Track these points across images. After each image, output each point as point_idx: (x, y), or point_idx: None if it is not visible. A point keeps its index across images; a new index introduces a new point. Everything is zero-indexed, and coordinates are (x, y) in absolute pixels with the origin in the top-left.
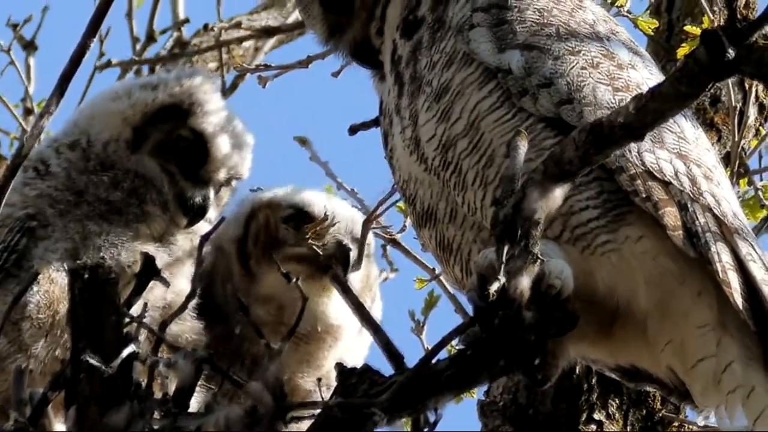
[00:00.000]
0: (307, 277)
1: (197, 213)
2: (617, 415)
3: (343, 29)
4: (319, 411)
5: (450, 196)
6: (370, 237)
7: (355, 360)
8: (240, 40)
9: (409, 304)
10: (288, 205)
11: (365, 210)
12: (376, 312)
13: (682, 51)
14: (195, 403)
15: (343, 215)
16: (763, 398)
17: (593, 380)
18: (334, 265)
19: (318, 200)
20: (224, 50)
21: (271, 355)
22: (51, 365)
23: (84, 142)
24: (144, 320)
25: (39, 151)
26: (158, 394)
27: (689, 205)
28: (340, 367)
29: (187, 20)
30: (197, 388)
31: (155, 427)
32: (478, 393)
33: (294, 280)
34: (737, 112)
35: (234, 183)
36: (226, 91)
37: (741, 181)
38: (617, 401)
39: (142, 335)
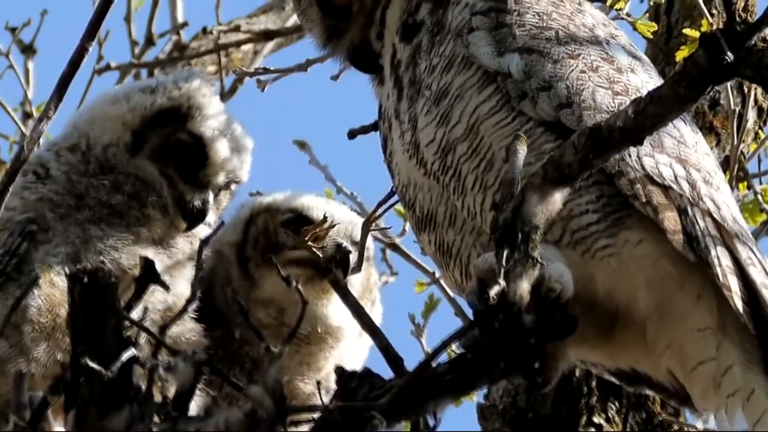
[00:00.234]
0: (307, 279)
1: (196, 216)
2: (617, 418)
3: (340, 33)
4: (318, 414)
5: (449, 201)
6: (369, 240)
7: (355, 363)
8: (239, 44)
9: (409, 307)
10: (287, 210)
11: (365, 214)
12: (376, 316)
13: (681, 54)
14: (195, 407)
15: (342, 218)
16: (763, 401)
17: (593, 383)
18: (334, 269)
19: (317, 204)
20: (223, 53)
21: (272, 359)
22: (52, 369)
23: (83, 146)
24: (144, 323)
25: (38, 155)
26: (158, 398)
27: (689, 210)
28: (339, 371)
29: (185, 23)
30: (197, 392)
31: (155, 430)
32: (477, 396)
33: (294, 284)
34: (736, 116)
35: (233, 186)
36: (225, 95)
37: (740, 184)
38: (617, 404)
39: (143, 339)
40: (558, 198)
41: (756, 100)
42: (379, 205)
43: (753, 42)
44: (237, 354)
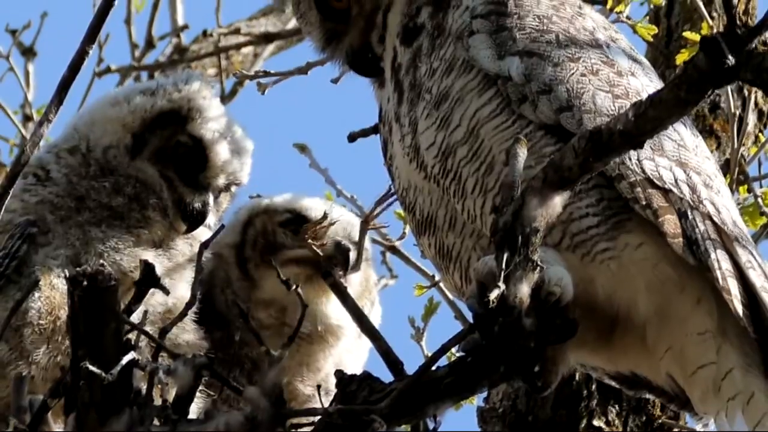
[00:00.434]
0: (307, 279)
1: (196, 219)
2: (617, 421)
3: (339, 37)
4: (319, 418)
5: (449, 204)
6: (368, 242)
7: (354, 363)
8: (239, 47)
9: (409, 310)
10: (285, 210)
11: (364, 217)
12: (375, 317)
13: (681, 57)
14: (195, 410)
15: (340, 218)
16: (763, 404)
17: (593, 387)
18: (334, 271)
19: (314, 205)
20: (223, 56)
21: (271, 362)
22: (52, 372)
23: (84, 148)
24: (144, 326)
25: (38, 157)
26: (158, 401)
27: (689, 213)
28: (339, 374)
29: (186, 26)
30: (197, 395)
31: None
32: (477, 399)
33: (294, 287)
34: (736, 119)
35: (233, 189)
36: (226, 97)
37: (740, 188)
38: (617, 408)
39: (143, 342)
40: (558, 201)
41: (756, 103)
42: (377, 204)
43: (753, 45)
44: (237, 355)
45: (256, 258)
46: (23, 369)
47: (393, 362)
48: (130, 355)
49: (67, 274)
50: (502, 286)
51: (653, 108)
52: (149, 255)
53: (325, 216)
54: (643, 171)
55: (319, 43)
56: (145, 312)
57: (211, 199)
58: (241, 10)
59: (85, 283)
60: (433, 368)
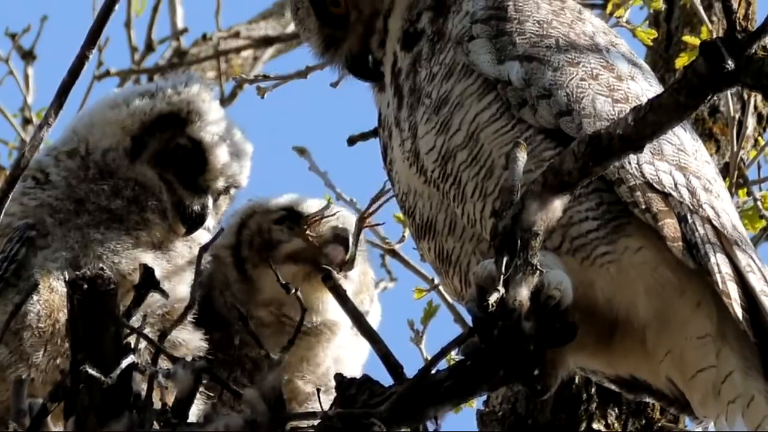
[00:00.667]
0: (306, 276)
1: (196, 221)
2: (616, 424)
3: (338, 42)
4: (318, 421)
5: (449, 208)
6: (367, 244)
7: (353, 360)
8: (239, 50)
9: (408, 313)
10: (279, 208)
11: (360, 215)
12: (375, 314)
13: (681, 61)
14: (195, 413)
15: (337, 213)
16: (764, 407)
17: (592, 390)
18: (333, 274)
19: (307, 202)
20: (223, 59)
21: (271, 365)
22: (52, 374)
23: (83, 150)
24: (143, 329)
25: (37, 160)
26: (158, 404)
27: (689, 217)
28: (339, 378)
29: (185, 30)
30: (197, 397)
31: None
32: (477, 403)
33: (293, 291)
34: (736, 123)
35: (232, 192)
36: (225, 101)
37: (740, 191)
38: (616, 411)
39: (142, 345)
40: (558, 205)
41: (756, 107)
42: (372, 201)
43: (753, 50)
44: (238, 356)
45: (253, 258)
46: (23, 372)
47: (392, 365)
48: (130, 359)
49: (67, 277)
50: (502, 290)
51: (653, 112)
52: (148, 257)
53: (321, 209)
54: (643, 175)
55: (318, 49)
56: (145, 315)
57: (210, 201)
58: (241, 14)
59: (85, 286)
60: (433, 371)
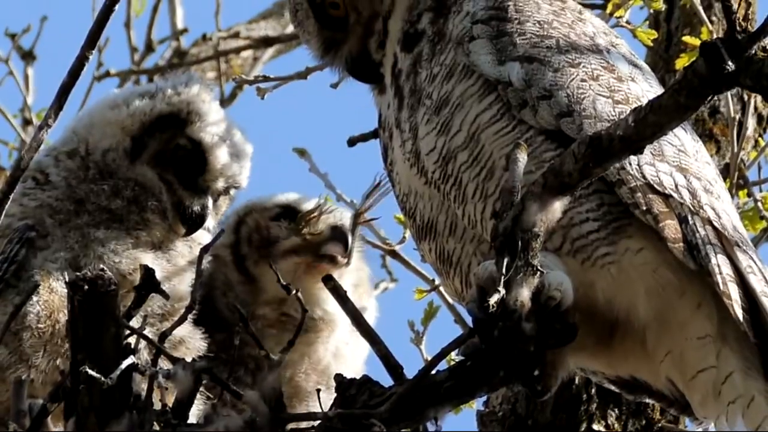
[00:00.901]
0: (308, 267)
1: (195, 221)
2: (616, 425)
3: (338, 44)
4: (318, 422)
5: (450, 209)
6: (367, 244)
7: (353, 356)
8: (238, 50)
9: (409, 314)
10: (275, 205)
11: (355, 211)
12: (372, 311)
13: (681, 62)
14: (195, 413)
15: (333, 209)
16: (764, 407)
17: (592, 390)
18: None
19: (303, 199)
20: (223, 60)
21: (271, 366)
22: (52, 375)
23: (83, 151)
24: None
25: (37, 161)
26: (158, 405)
27: (689, 218)
28: (339, 378)
29: (185, 30)
30: (197, 398)
31: None
32: (477, 403)
33: (294, 291)
34: (736, 123)
35: (232, 192)
36: (225, 101)
37: (740, 192)
38: (616, 411)
39: (142, 345)
40: (558, 206)
41: (756, 108)
42: (366, 197)
43: (753, 51)
44: (240, 355)
45: (253, 255)
46: (23, 372)
47: (392, 366)
48: (130, 360)
49: (66, 278)
50: (503, 291)
51: (653, 113)
52: (148, 257)
53: (318, 205)
54: (644, 176)
55: (317, 52)
56: (145, 316)
57: (210, 202)
58: (241, 14)
59: (85, 287)
60: (433, 372)
